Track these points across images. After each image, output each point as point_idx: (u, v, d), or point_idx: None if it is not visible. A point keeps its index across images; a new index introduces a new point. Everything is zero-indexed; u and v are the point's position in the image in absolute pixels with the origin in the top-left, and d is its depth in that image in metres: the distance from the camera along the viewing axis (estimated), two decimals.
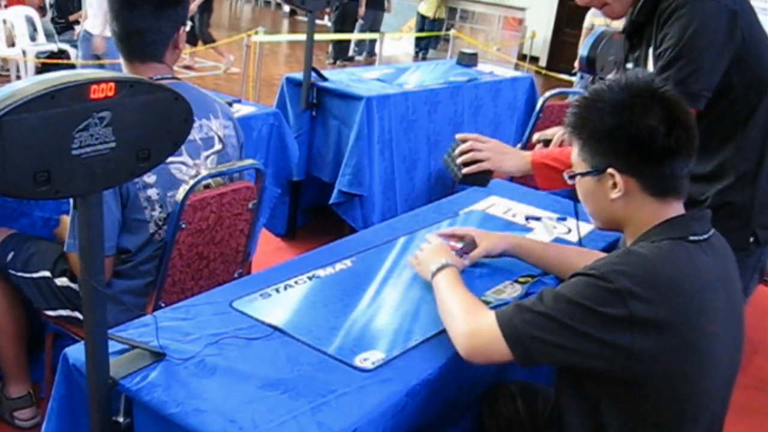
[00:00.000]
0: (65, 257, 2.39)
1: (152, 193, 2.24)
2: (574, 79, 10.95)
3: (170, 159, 2.23)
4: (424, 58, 13.82)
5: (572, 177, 1.76)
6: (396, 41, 14.84)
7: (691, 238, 1.59)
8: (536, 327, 1.53)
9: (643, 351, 1.48)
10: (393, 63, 10.01)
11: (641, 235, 1.64)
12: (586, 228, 2.73)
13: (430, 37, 14.55)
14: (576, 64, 10.41)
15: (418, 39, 14.43)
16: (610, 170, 1.63)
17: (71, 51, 8.23)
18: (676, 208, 1.65)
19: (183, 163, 2.30)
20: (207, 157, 2.38)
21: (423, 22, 14.36)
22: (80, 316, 2.33)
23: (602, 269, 1.52)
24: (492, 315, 1.61)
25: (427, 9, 14.12)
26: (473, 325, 1.66)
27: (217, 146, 2.40)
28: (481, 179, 2.38)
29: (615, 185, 1.64)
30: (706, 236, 1.62)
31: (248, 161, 2.48)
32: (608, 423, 1.57)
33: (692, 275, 1.54)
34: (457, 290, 1.83)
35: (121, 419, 1.59)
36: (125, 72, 2.32)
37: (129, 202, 2.21)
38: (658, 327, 1.48)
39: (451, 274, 1.91)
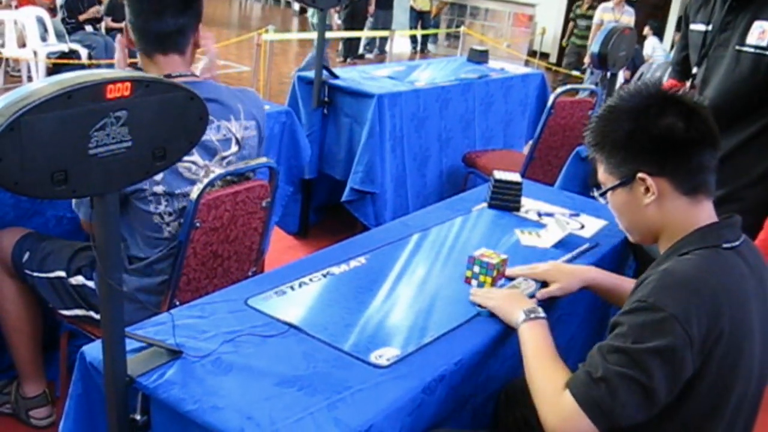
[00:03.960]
0: (80, 254, 2.41)
1: (158, 189, 2.24)
2: (584, 75, 10.95)
3: None
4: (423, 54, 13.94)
5: (603, 194, 1.75)
6: (405, 38, 14.89)
7: (725, 245, 1.59)
8: (615, 394, 1.46)
9: (696, 368, 1.47)
10: (404, 60, 10.01)
11: (675, 244, 1.63)
12: (597, 224, 2.73)
13: (428, 34, 14.70)
14: (586, 59, 10.46)
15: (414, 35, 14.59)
16: (639, 175, 1.63)
17: (82, 51, 8.26)
18: (708, 210, 1.65)
19: (193, 162, 2.30)
20: (224, 158, 2.38)
21: (418, 18, 14.44)
22: (95, 316, 2.35)
23: (649, 299, 1.49)
24: (570, 399, 1.51)
25: (424, 4, 14.19)
26: (557, 416, 1.55)
27: (233, 149, 2.40)
28: None
29: (647, 190, 1.63)
30: (737, 243, 1.61)
31: (261, 160, 2.48)
32: None
33: (730, 283, 1.53)
34: (543, 355, 1.70)
35: (138, 417, 1.60)
36: (143, 67, 2.33)
37: (133, 190, 2.22)
38: (710, 342, 1.47)
39: (539, 330, 1.77)
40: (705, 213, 1.65)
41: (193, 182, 2.27)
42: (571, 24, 11.82)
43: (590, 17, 10.82)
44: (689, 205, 1.63)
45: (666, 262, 1.60)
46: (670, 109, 1.60)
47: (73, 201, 2.29)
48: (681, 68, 2.75)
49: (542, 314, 1.83)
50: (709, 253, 1.57)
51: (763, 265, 1.67)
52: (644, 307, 1.49)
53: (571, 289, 2.10)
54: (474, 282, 2.13)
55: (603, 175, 1.73)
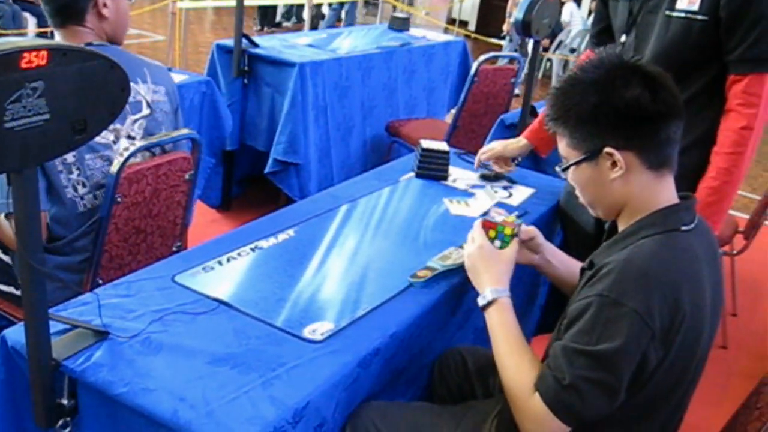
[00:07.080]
0: None
1: (69, 158, 2.15)
2: (503, 42, 11.01)
3: None
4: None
5: (566, 169, 1.69)
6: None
7: (683, 228, 1.58)
8: (584, 397, 1.47)
9: (659, 358, 1.48)
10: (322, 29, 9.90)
11: (635, 224, 1.61)
12: (525, 193, 2.74)
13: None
14: (504, 27, 10.51)
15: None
16: (606, 149, 1.58)
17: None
18: (670, 187, 1.63)
19: None
20: (135, 121, 2.30)
21: None
22: (18, 293, 2.25)
23: (611, 294, 1.46)
24: (541, 403, 1.50)
25: None
26: (531, 420, 1.54)
27: (145, 111, 2.33)
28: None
29: (614, 164, 1.59)
30: (693, 225, 1.60)
31: (183, 131, 2.41)
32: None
33: (688, 269, 1.53)
34: (512, 347, 1.67)
35: (65, 401, 1.54)
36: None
37: (44, 165, 2.13)
38: (672, 332, 1.47)
39: (505, 316, 1.74)
40: (667, 190, 1.63)
41: (103, 147, 2.18)
42: None
43: None
44: (654, 180, 1.61)
45: (624, 248, 1.58)
46: (636, 80, 1.56)
47: None
48: (598, 41, 2.73)
49: (507, 293, 1.78)
50: (667, 239, 1.56)
51: (715, 246, 1.67)
52: (605, 303, 1.47)
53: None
54: (497, 242, 1.92)
55: (565, 149, 1.68)
